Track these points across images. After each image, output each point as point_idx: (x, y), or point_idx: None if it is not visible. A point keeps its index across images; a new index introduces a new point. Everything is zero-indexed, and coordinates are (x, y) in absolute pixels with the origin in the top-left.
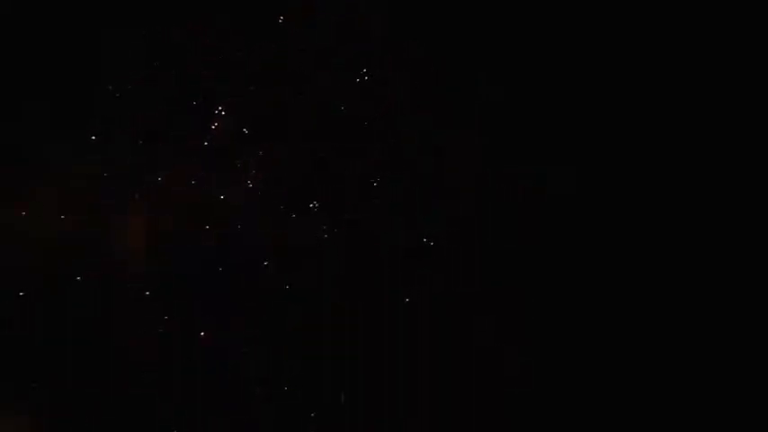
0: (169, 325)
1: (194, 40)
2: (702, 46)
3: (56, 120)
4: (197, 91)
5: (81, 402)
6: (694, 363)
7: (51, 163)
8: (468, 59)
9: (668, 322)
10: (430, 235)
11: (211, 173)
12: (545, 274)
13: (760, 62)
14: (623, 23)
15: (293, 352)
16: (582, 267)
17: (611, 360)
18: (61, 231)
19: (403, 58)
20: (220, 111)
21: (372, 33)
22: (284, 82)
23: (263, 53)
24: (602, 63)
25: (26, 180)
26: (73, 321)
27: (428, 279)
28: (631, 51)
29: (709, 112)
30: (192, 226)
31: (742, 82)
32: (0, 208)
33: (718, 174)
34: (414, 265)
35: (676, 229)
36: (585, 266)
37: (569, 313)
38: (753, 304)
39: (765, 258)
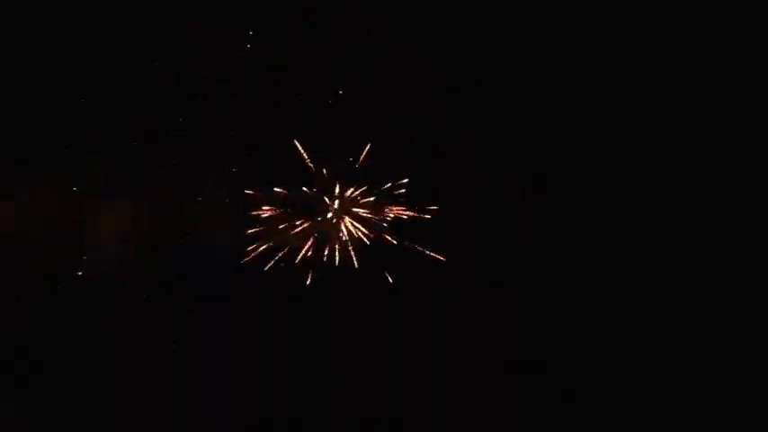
0: (167, 324)
1: (194, 40)
2: (702, 46)
3: (56, 120)
4: (197, 91)
5: (79, 402)
6: (692, 359)
7: (51, 163)
8: (468, 59)
9: (667, 320)
10: (430, 235)
11: (211, 172)
12: (545, 273)
13: (760, 62)
14: (623, 24)
15: (293, 352)
16: (581, 267)
17: (611, 359)
18: (60, 231)
19: (403, 58)
20: (220, 111)
21: (372, 33)
22: (284, 82)
23: (263, 53)
24: (602, 63)
25: (26, 180)
26: (73, 321)
27: (428, 279)
28: (631, 52)
29: (709, 113)
30: (192, 226)
31: (742, 82)
32: (0, 208)
33: (717, 173)
34: (414, 265)
35: (675, 229)
36: (585, 266)
37: (569, 313)
38: (751, 304)
39: (764, 258)
